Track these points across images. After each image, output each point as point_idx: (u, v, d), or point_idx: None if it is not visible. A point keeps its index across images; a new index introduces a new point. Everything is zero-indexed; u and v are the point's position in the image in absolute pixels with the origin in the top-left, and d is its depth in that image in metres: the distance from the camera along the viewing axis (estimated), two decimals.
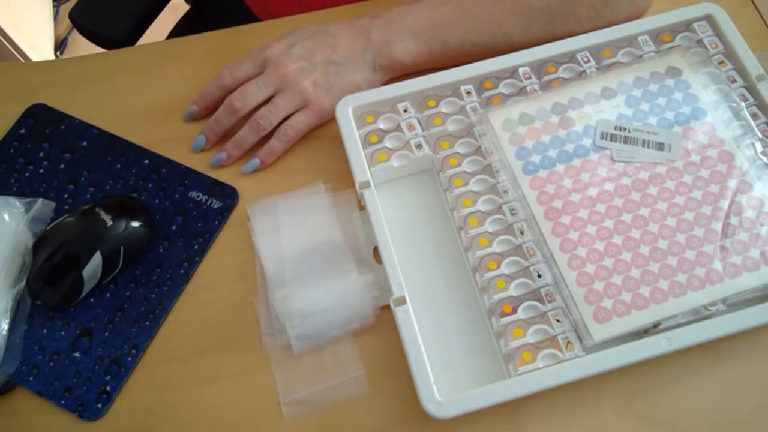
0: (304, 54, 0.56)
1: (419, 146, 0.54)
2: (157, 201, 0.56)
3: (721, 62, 0.56)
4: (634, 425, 0.47)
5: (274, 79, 0.55)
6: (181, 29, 0.94)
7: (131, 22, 0.76)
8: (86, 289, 0.51)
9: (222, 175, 0.57)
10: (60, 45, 1.59)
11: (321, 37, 0.56)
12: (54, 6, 1.61)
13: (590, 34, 0.56)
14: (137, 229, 0.52)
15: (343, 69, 0.56)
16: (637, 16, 0.58)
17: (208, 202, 0.55)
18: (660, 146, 0.52)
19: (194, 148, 0.57)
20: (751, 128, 0.52)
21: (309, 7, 0.66)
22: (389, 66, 0.57)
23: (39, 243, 0.51)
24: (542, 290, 0.48)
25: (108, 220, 0.51)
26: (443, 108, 0.55)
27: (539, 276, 0.49)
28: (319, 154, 0.57)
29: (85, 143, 0.58)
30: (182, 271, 0.53)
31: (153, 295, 0.52)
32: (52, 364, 0.50)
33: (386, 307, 0.50)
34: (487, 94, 0.55)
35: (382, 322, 0.50)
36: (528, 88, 0.55)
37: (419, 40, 0.56)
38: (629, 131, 0.53)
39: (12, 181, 0.57)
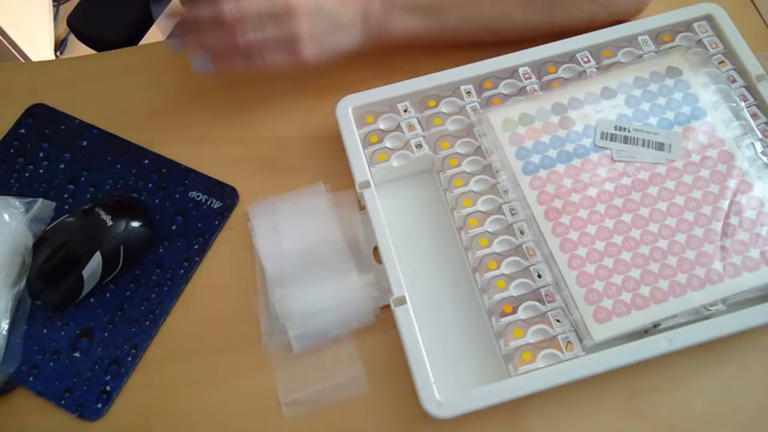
0: None
1: (419, 146, 0.54)
2: (157, 201, 0.56)
3: (721, 62, 0.56)
4: (634, 425, 0.47)
5: (280, 5, 0.50)
6: None
7: (130, 27, 0.76)
8: (86, 289, 0.51)
9: (222, 175, 0.57)
10: (60, 45, 1.59)
11: None
12: (54, 6, 1.61)
13: (590, 34, 0.57)
14: (137, 229, 0.52)
15: (339, 29, 0.53)
16: (636, 11, 0.58)
17: (208, 202, 0.55)
18: (660, 146, 0.52)
19: (169, 46, 0.53)
20: (751, 128, 0.52)
21: None
22: (381, 38, 0.55)
23: (39, 243, 0.51)
24: (542, 290, 0.48)
25: (108, 220, 0.51)
26: (443, 108, 0.55)
27: (539, 276, 0.49)
28: (319, 154, 0.57)
29: (85, 143, 0.58)
30: (182, 271, 0.53)
31: (153, 295, 0.52)
32: (52, 364, 0.50)
33: (386, 307, 0.50)
34: (487, 94, 0.55)
35: (382, 322, 0.50)
36: (528, 88, 0.55)
37: (418, 16, 0.55)
38: (629, 131, 0.53)
39: (12, 181, 0.57)
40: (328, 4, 0.52)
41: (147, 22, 0.79)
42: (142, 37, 0.79)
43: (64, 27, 1.61)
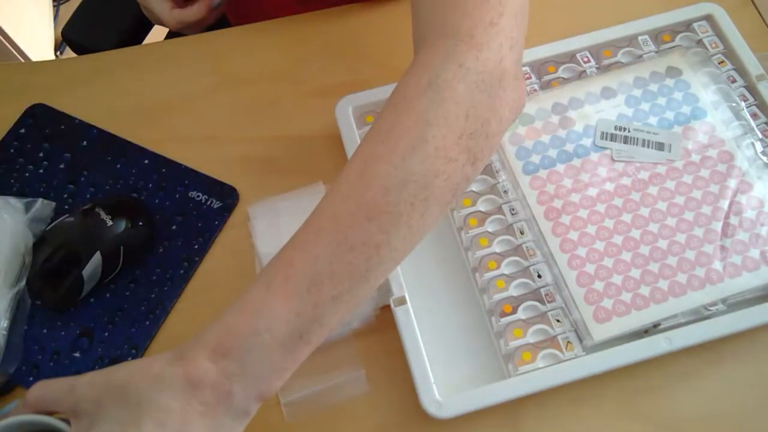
0: None
1: None
2: (157, 201, 0.56)
3: (721, 62, 0.56)
4: (635, 425, 0.47)
5: None
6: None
7: (125, 36, 0.76)
8: (86, 289, 0.51)
9: (222, 175, 0.57)
10: (60, 45, 1.59)
11: (160, 420, 0.33)
12: (54, 6, 1.61)
13: (590, 34, 0.57)
14: (137, 229, 0.52)
15: None
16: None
17: (208, 202, 0.55)
18: (660, 146, 0.52)
19: None
20: (751, 128, 0.52)
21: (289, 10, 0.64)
22: (267, 397, 0.36)
23: (39, 243, 0.51)
24: (542, 290, 0.48)
25: (108, 220, 0.51)
26: None
27: (539, 276, 0.49)
28: (319, 154, 0.57)
29: (85, 143, 0.58)
30: (182, 271, 0.53)
31: (153, 295, 0.52)
32: (52, 364, 0.50)
33: (386, 307, 0.50)
34: None
35: (382, 322, 0.50)
36: (528, 88, 0.55)
37: (291, 351, 0.36)
38: (629, 131, 0.53)
39: (12, 181, 0.57)
40: None
41: (142, 31, 0.79)
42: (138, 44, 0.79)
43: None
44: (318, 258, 0.36)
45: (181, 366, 0.34)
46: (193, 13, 0.60)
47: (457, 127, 0.37)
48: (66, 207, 0.56)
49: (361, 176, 0.37)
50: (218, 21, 0.68)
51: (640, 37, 0.57)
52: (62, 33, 0.76)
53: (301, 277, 0.35)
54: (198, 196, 0.56)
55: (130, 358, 0.50)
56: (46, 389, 0.37)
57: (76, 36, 0.76)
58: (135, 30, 0.77)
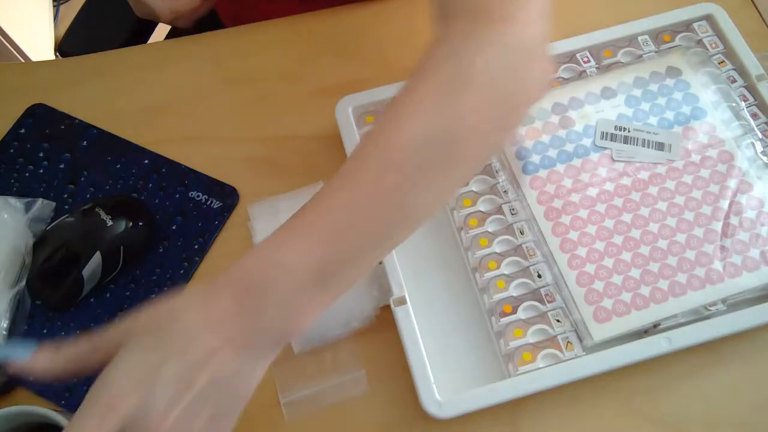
0: (177, 395, 0.33)
1: None
2: (157, 201, 0.56)
3: (721, 62, 0.56)
4: (634, 425, 0.47)
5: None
6: (180, 30, 0.94)
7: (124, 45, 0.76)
8: (86, 289, 0.51)
9: (222, 175, 0.57)
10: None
11: (187, 348, 0.34)
12: (54, 6, 1.61)
13: (590, 33, 0.56)
14: (137, 229, 0.52)
15: (235, 382, 0.36)
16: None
17: (208, 202, 0.55)
18: (660, 146, 0.52)
19: None
20: (751, 128, 0.52)
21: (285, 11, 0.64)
22: (287, 339, 0.38)
23: (39, 243, 0.51)
24: (542, 290, 0.48)
25: (108, 220, 0.51)
26: None
27: (539, 276, 0.49)
28: (319, 154, 0.57)
29: (85, 143, 0.58)
30: (182, 271, 0.53)
31: (153, 295, 0.52)
32: None
33: (386, 307, 0.50)
34: None
35: (382, 322, 0.50)
36: None
37: (313, 294, 0.36)
38: (629, 131, 0.53)
39: (12, 181, 0.57)
40: (196, 379, 0.34)
41: (139, 38, 0.78)
42: None
43: (64, 27, 1.61)
44: (342, 208, 0.37)
45: (205, 303, 0.35)
46: (185, 1, 0.60)
47: (479, 96, 0.37)
48: (66, 207, 0.56)
49: (381, 133, 0.38)
50: (217, 22, 0.68)
51: (640, 37, 0.57)
52: (59, 48, 0.76)
53: (326, 223, 0.37)
54: (198, 196, 0.56)
55: None
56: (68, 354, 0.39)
57: (74, 50, 0.76)
58: (133, 37, 0.77)
